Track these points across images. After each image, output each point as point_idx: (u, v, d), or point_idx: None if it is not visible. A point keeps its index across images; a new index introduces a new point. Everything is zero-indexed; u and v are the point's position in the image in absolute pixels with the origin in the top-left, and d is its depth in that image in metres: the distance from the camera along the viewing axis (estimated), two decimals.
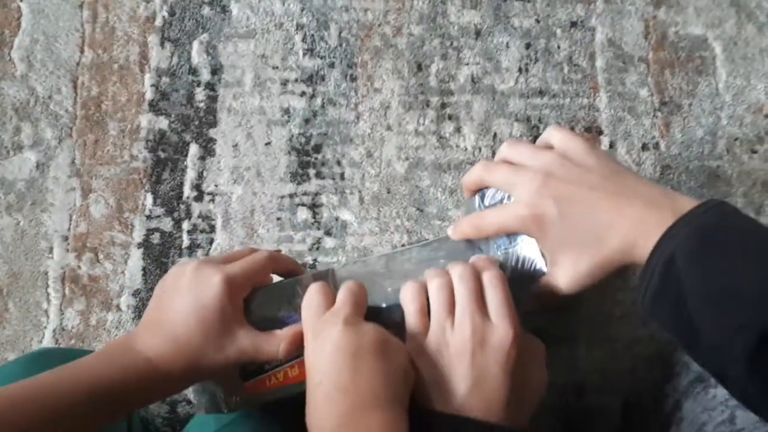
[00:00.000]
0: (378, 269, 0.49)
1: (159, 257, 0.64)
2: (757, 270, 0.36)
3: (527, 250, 0.47)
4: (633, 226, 0.40)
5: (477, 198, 0.50)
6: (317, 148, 0.66)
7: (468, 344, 0.40)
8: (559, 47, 0.69)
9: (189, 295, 0.42)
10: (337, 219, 0.65)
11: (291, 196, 0.65)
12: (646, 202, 0.41)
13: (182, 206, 0.65)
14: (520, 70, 0.68)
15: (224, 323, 0.42)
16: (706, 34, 0.69)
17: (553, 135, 0.46)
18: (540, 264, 0.46)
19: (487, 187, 0.49)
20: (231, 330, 0.43)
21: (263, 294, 0.47)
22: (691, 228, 0.38)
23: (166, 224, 0.64)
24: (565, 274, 0.44)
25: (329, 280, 0.48)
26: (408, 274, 0.47)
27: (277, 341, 0.44)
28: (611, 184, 0.42)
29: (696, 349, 0.38)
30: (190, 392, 0.51)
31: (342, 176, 0.66)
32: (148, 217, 0.64)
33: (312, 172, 0.66)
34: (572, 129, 0.67)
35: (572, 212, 0.42)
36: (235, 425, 0.48)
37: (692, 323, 0.37)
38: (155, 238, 0.64)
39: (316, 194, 0.66)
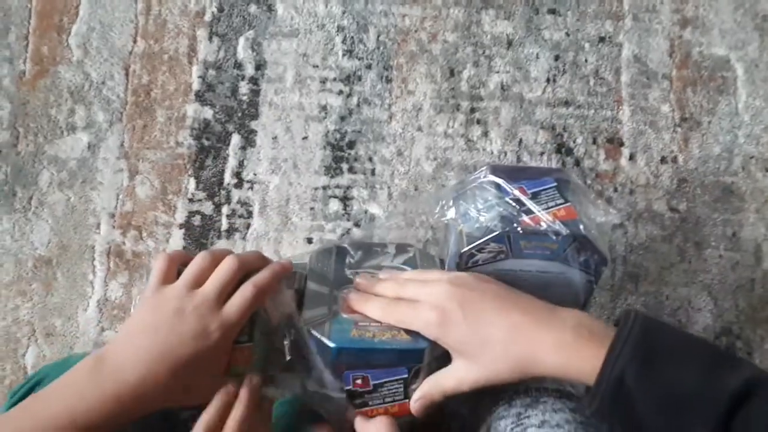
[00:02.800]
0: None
1: (199, 238, 0.68)
2: (693, 373, 0.40)
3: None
4: (529, 344, 0.43)
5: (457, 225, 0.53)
6: (351, 145, 0.70)
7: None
8: (586, 60, 0.72)
9: (192, 342, 0.42)
10: (366, 212, 0.69)
11: (324, 188, 0.69)
12: (540, 320, 0.43)
13: (223, 192, 0.69)
14: (548, 80, 0.71)
15: (213, 372, 0.44)
16: (729, 55, 0.72)
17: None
18: None
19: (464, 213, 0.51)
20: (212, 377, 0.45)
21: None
22: (630, 349, 0.41)
23: (207, 208, 0.69)
24: (454, 376, 0.46)
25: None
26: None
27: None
28: (514, 300, 0.45)
29: None
30: None
31: (373, 172, 0.70)
32: (190, 200, 0.69)
33: (345, 166, 0.70)
34: (594, 140, 0.70)
35: (476, 317, 0.45)
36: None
37: (643, 428, 0.41)
38: (196, 220, 0.68)
39: (348, 187, 0.69)
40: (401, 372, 0.47)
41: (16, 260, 0.68)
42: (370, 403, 0.48)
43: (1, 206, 0.68)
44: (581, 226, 0.49)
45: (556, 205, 0.51)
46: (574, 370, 0.43)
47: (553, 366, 0.43)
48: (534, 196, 0.51)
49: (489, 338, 0.44)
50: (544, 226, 0.49)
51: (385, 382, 0.47)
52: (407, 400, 0.48)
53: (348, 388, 0.47)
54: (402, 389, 0.48)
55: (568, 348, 0.42)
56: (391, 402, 0.48)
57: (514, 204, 0.50)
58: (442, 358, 0.48)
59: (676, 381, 0.40)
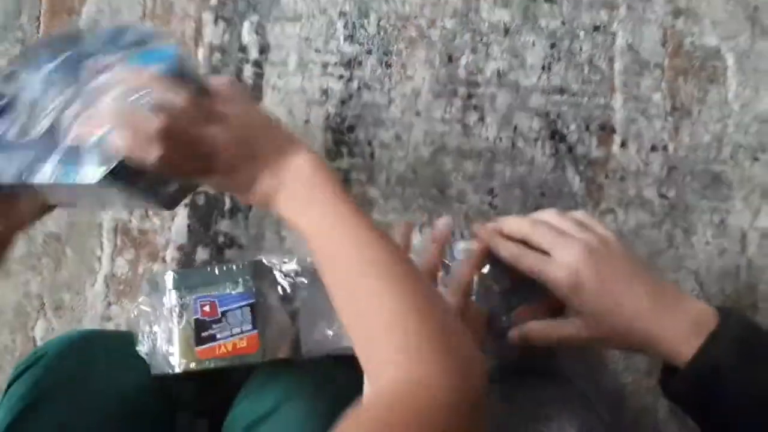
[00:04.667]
0: None
1: (203, 217, 0.71)
2: None
3: None
4: (650, 329, 0.45)
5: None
6: (351, 128, 0.72)
7: None
8: (581, 49, 0.74)
9: None
10: (364, 195, 0.72)
11: None
12: (666, 306, 0.46)
13: None
14: (543, 68, 0.73)
15: None
16: (720, 45, 0.73)
17: (586, 220, 0.52)
18: None
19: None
20: None
21: None
22: (730, 343, 0.43)
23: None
24: (573, 328, 0.49)
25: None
26: None
27: None
28: (644, 279, 0.47)
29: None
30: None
31: (372, 156, 0.72)
32: None
33: (345, 150, 0.72)
34: (587, 127, 0.72)
35: (608, 289, 0.47)
36: (281, 413, 0.53)
37: (727, 422, 0.43)
38: (200, 199, 0.71)
39: (348, 171, 0.72)
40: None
41: (28, 236, 0.70)
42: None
43: None
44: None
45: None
46: (676, 355, 0.45)
47: (664, 353, 0.46)
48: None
49: (616, 311, 0.47)
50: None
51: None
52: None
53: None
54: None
55: (684, 342, 0.44)
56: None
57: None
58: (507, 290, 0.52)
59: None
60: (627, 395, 0.69)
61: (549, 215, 0.52)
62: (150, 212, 0.71)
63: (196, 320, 0.57)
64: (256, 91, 0.73)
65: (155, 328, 0.57)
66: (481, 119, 0.72)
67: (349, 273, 0.40)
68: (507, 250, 0.51)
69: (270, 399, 0.53)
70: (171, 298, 0.57)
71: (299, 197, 0.43)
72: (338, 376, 0.59)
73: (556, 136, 0.72)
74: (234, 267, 0.58)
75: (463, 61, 0.73)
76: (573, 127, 0.72)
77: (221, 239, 0.70)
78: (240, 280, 0.57)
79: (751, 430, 0.43)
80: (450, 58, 0.73)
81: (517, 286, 0.55)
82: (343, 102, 0.73)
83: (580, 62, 0.73)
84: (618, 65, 0.74)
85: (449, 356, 0.36)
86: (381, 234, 0.41)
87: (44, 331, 0.70)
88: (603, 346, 0.50)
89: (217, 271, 0.58)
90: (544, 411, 0.54)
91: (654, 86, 0.73)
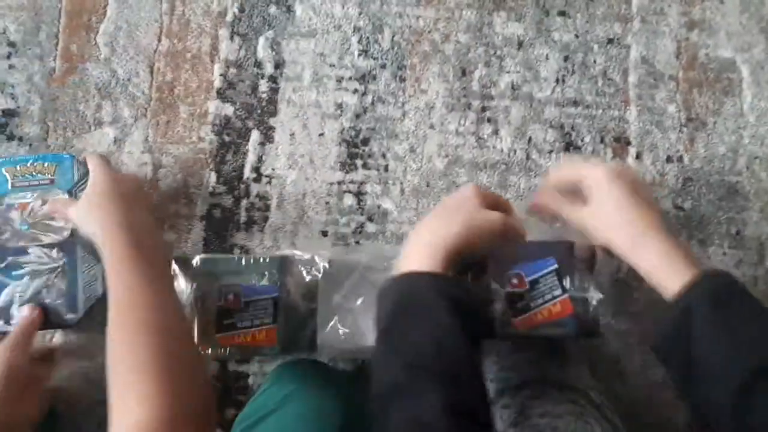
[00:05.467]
0: None
1: (219, 230, 0.71)
2: (754, 329, 0.46)
3: None
4: (658, 254, 0.51)
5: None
6: (365, 141, 0.73)
7: None
8: (595, 62, 0.74)
9: None
10: (379, 207, 0.72)
11: (339, 183, 0.72)
12: (674, 244, 0.51)
13: (242, 186, 0.72)
14: (557, 80, 0.73)
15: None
16: (735, 57, 0.73)
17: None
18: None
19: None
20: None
21: None
22: (707, 290, 0.48)
23: (227, 201, 0.72)
24: (586, 213, 0.55)
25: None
26: None
27: None
28: (657, 209, 0.55)
29: (690, 381, 0.47)
30: None
31: (386, 168, 0.72)
32: (211, 194, 0.72)
33: (359, 162, 0.72)
34: (602, 139, 0.72)
35: (631, 203, 0.53)
36: (279, 413, 0.55)
37: (691, 360, 0.47)
38: (216, 212, 0.71)
39: (362, 183, 0.72)
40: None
41: None
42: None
43: None
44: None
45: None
46: (662, 289, 0.50)
47: (653, 281, 0.51)
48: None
49: (633, 221, 0.52)
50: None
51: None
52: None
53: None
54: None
55: (673, 279, 0.49)
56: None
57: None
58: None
59: (735, 330, 0.46)
60: (644, 407, 0.69)
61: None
62: (166, 226, 0.71)
63: (219, 307, 0.58)
64: (271, 105, 0.73)
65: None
66: (496, 132, 0.73)
67: (120, 317, 0.48)
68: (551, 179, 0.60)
69: (274, 399, 0.54)
70: (196, 282, 0.59)
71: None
72: (341, 378, 0.61)
73: (570, 147, 0.72)
74: (261, 260, 0.60)
75: (477, 74, 0.74)
76: (588, 138, 0.72)
77: (237, 252, 0.70)
78: (266, 273, 0.59)
79: (718, 378, 0.45)
80: (464, 72, 0.74)
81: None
82: (357, 116, 0.73)
83: (594, 75, 0.74)
84: (632, 77, 0.74)
85: (190, 401, 0.44)
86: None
87: None
88: (603, 243, 0.55)
89: (244, 262, 0.59)
90: (557, 423, 0.54)
91: (668, 98, 0.73)
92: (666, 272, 0.50)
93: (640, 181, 0.56)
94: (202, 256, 0.62)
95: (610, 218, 0.53)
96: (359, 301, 0.60)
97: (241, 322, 0.59)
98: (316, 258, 0.61)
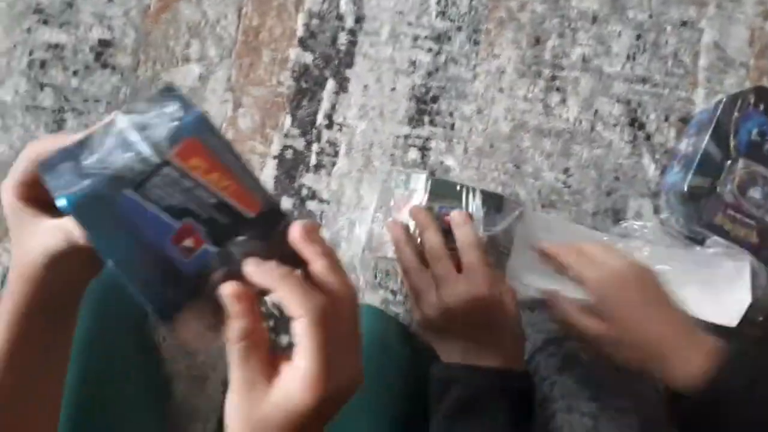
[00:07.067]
0: None
1: (289, 170, 0.75)
2: None
3: None
4: (662, 358, 0.52)
5: None
6: (434, 99, 0.76)
7: None
8: (667, 42, 0.75)
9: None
10: (441, 163, 0.75)
11: (405, 137, 0.75)
12: (681, 330, 0.53)
13: (314, 131, 0.76)
14: (628, 57, 0.75)
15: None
16: None
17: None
18: None
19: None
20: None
21: None
22: (737, 368, 0.50)
23: (299, 144, 0.75)
24: (591, 325, 0.55)
25: None
26: None
27: None
28: (669, 309, 0.55)
29: None
30: None
31: (452, 126, 0.75)
32: (285, 135, 0.76)
33: (426, 119, 0.76)
34: (667, 117, 0.74)
35: (638, 312, 0.54)
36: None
37: None
38: (288, 153, 0.75)
39: (427, 139, 0.75)
40: None
41: None
42: None
43: None
44: None
45: None
46: (689, 378, 0.50)
47: (677, 376, 0.51)
48: None
49: (641, 329, 0.53)
50: None
51: None
52: None
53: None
54: None
55: (696, 367, 0.50)
56: None
57: None
58: None
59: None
60: None
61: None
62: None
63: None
64: (348, 57, 0.77)
65: (378, 214, 0.68)
66: (563, 101, 0.75)
67: None
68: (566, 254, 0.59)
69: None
70: (419, 198, 0.65)
71: None
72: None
73: (635, 123, 0.74)
74: (479, 191, 0.65)
75: (549, 44, 0.76)
76: (653, 116, 0.74)
77: (304, 192, 0.74)
78: (485, 207, 0.64)
79: None
80: (537, 41, 0.76)
81: None
82: (429, 74, 0.76)
83: (664, 55, 0.75)
84: (702, 61, 0.75)
85: None
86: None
87: None
88: (616, 352, 0.54)
89: (458, 188, 0.65)
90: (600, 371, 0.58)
91: (737, 84, 0.74)
92: (686, 366, 0.51)
93: (649, 279, 0.56)
94: (430, 176, 0.67)
95: (619, 316, 0.54)
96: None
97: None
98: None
